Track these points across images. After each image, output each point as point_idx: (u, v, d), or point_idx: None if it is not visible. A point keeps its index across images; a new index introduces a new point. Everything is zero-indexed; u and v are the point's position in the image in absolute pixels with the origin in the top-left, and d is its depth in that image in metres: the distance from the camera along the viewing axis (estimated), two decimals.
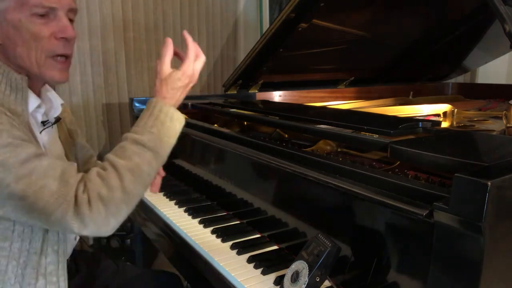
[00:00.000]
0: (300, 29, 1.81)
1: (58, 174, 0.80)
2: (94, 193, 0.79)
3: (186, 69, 0.99)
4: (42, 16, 0.88)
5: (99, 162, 1.27)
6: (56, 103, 1.04)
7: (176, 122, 0.93)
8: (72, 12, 0.95)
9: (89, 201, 0.79)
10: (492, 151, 0.86)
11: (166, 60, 0.99)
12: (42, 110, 0.97)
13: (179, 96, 0.97)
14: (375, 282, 0.84)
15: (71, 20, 0.95)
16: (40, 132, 0.98)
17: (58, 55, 0.92)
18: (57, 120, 1.04)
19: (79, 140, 1.20)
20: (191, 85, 1.00)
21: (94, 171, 0.84)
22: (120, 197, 0.81)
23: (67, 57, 0.95)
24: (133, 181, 0.83)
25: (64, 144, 1.10)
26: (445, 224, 0.69)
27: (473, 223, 0.65)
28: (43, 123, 0.99)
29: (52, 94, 1.04)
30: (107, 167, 0.84)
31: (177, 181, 1.68)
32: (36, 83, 0.97)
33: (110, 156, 0.87)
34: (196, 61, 1.01)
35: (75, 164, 0.88)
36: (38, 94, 0.97)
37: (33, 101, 0.93)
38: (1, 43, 0.89)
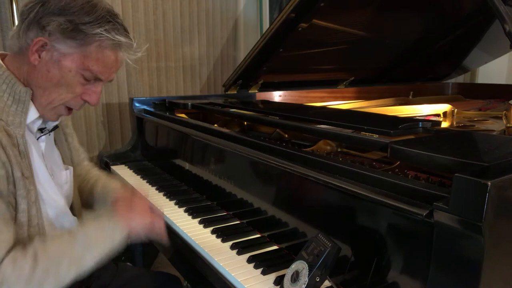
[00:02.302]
0: (300, 29, 1.81)
1: None
2: (4, 277, 0.78)
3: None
4: (86, 78, 0.92)
5: (90, 165, 1.28)
6: None
7: (113, 239, 0.92)
8: (108, 82, 0.99)
9: None
10: (492, 151, 0.86)
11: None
12: (39, 121, 0.98)
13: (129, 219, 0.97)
14: (375, 282, 0.84)
15: None
16: (37, 139, 0.99)
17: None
18: (55, 127, 1.05)
19: (74, 143, 1.20)
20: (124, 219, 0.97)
21: (15, 251, 0.81)
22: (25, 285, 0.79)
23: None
24: (46, 275, 0.82)
25: (60, 150, 1.11)
26: (445, 224, 0.69)
27: (473, 223, 0.65)
28: (41, 130, 1.00)
29: None
30: (28, 252, 0.82)
31: (177, 181, 1.68)
32: (34, 99, 0.98)
33: (38, 242, 0.85)
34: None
35: (13, 237, 0.84)
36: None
37: (32, 113, 0.94)
38: (36, 66, 0.90)
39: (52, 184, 1.00)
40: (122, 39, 0.92)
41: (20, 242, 0.84)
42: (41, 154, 0.99)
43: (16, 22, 0.94)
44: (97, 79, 0.94)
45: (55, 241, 0.87)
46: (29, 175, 0.90)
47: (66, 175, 1.08)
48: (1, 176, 0.83)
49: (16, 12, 2.06)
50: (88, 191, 1.23)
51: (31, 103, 0.93)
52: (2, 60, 0.94)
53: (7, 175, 0.84)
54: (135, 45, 0.96)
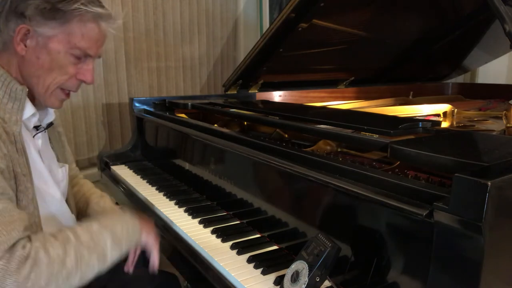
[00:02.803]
0: (300, 29, 1.81)
1: (3, 222, 0.77)
2: (32, 256, 0.77)
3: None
4: (76, 56, 0.93)
5: (76, 169, 1.29)
6: (50, 110, 1.06)
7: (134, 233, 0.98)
8: (97, 58, 1.00)
9: (22, 261, 0.75)
10: (492, 151, 0.86)
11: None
12: (35, 118, 0.99)
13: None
14: (375, 282, 0.84)
15: None
16: (33, 136, 0.99)
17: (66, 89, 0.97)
18: (49, 125, 1.06)
19: (65, 143, 1.20)
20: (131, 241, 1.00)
21: (44, 234, 0.83)
22: (57, 272, 0.79)
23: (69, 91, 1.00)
24: (76, 264, 0.82)
25: (55, 148, 1.11)
26: (445, 224, 0.69)
27: (473, 223, 0.65)
28: (36, 128, 1.00)
29: None
30: (58, 237, 0.83)
31: (177, 181, 1.68)
32: (32, 91, 0.98)
33: (68, 230, 0.86)
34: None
35: (26, 217, 0.85)
36: (33, 101, 0.98)
37: (28, 110, 0.94)
38: (24, 55, 0.90)
39: (51, 181, 1.01)
40: (100, 9, 0.93)
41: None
42: (38, 151, 0.99)
43: None
44: (86, 55, 0.94)
45: (85, 233, 0.87)
46: (26, 173, 0.90)
47: (62, 172, 1.09)
48: (4, 164, 0.83)
49: None
50: (81, 198, 1.23)
51: (27, 100, 0.93)
52: None
53: (8, 169, 0.84)
54: (113, 13, 0.97)
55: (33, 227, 0.90)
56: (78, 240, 0.84)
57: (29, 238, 0.79)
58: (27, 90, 0.92)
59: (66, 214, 1.06)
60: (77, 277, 0.83)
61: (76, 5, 0.89)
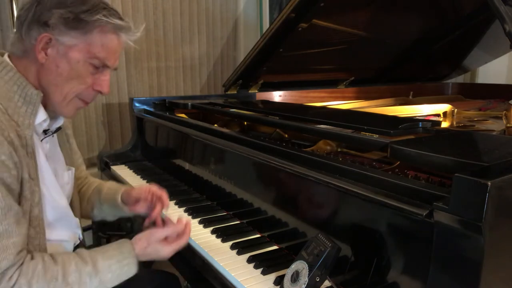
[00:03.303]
0: (300, 29, 1.81)
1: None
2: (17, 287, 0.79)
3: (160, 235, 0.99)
4: (95, 66, 0.94)
5: (87, 172, 1.29)
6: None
7: (123, 279, 0.95)
8: (114, 70, 1.01)
9: None
10: (492, 151, 0.86)
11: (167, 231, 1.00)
12: (46, 123, 0.99)
13: (148, 256, 0.99)
14: (375, 282, 0.84)
15: None
16: (41, 140, 0.99)
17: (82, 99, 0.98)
18: (58, 129, 1.06)
19: (73, 145, 1.20)
20: (149, 249, 0.98)
21: (36, 265, 0.83)
22: None
23: (87, 102, 1.00)
24: None
25: (63, 151, 1.11)
26: (445, 224, 0.69)
27: (473, 223, 0.65)
28: (45, 131, 1.01)
29: None
30: (47, 273, 0.83)
31: (177, 181, 1.68)
32: (47, 99, 0.99)
33: (60, 264, 0.86)
34: (175, 242, 0.99)
35: (22, 237, 0.85)
36: (46, 107, 0.99)
37: (41, 115, 0.95)
38: (44, 63, 0.91)
39: (56, 185, 1.01)
40: (120, 22, 0.94)
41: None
42: (45, 155, 0.99)
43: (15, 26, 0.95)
44: (104, 66, 0.96)
45: (75, 273, 0.87)
46: (34, 177, 0.90)
47: (68, 176, 1.09)
48: (14, 176, 0.84)
49: (15, 12, 2.06)
50: (92, 193, 1.24)
51: (40, 105, 0.94)
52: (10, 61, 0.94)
53: (17, 176, 0.85)
54: (132, 26, 0.99)
55: (31, 244, 0.90)
56: (64, 281, 0.84)
57: (18, 268, 0.80)
58: (42, 95, 0.93)
59: (69, 218, 1.07)
60: None
61: (98, 16, 0.90)
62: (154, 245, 0.97)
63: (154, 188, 1.15)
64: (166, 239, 0.99)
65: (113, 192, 1.20)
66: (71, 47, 0.90)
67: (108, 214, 1.24)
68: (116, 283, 0.93)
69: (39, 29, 0.89)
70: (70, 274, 0.85)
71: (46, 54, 0.90)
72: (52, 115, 1.02)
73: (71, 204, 1.11)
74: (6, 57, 0.94)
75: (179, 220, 1.03)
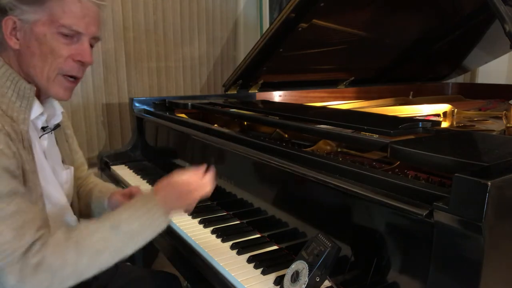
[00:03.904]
0: (300, 29, 1.81)
1: (17, 225, 0.77)
2: (46, 261, 0.77)
3: (190, 179, 0.97)
4: (66, 36, 0.91)
5: (89, 172, 1.28)
6: (57, 111, 1.06)
7: (157, 230, 0.91)
8: (95, 39, 0.98)
9: (36, 267, 0.76)
10: (492, 151, 0.86)
11: (190, 175, 0.97)
12: (43, 117, 0.99)
13: (175, 206, 0.94)
14: (375, 282, 0.84)
15: (91, 46, 0.98)
16: (40, 137, 0.99)
17: (69, 75, 0.95)
18: (56, 126, 1.06)
19: (74, 145, 1.20)
20: (185, 199, 0.95)
21: (57, 236, 0.81)
22: (69, 274, 0.79)
23: (76, 78, 0.98)
24: (89, 265, 0.82)
25: (61, 150, 1.11)
26: (445, 224, 0.69)
27: (473, 223, 0.65)
28: (43, 128, 1.01)
29: (54, 102, 1.06)
30: (70, 239, 0.82)
31: None
32: (42, 93, 0.98)
33: (80, 229, 0.85)
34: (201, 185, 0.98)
35: (39, 214, 0.84)
36: (42, 101, 0.99)
37: (36, 109, 0.95)
38: (19, 49, 0.91)
39: (55, 182, 1.01)
40: None
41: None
42: (43, 152, 0.99)
43: None
44: (77, 33, 0.93)
45: (97, 230, 0.85)
46: (34, 170, 0.90)
47: (66, 175, 1.09)
48: (14, 165, 0.83)
49: None
50: (86, 195, 1.23)
51: (35, 99, 0.94)
52: None
53: (17, 164, 0.84)
54: None
55: (46, 223, 0.89)
56: (88, 241, 0.83)
57: (42, 241, 0.79)
58: (35, 88, 0.93)
59: (68, 216, 1.06)
60: (90, 273, 0.83)
61: None
62: (176, 188, 0.94)
63: (136, 189, 1.15)
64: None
65: (102, 196, 1.20)
66: (35, 23, 0.89)
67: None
68: (151, 233, 0.89)
69: (1, 16, 0.88)
70: (93, 233, 0.84)
71: (17, 39, 0.90)
72: (49, 109, 1.02)
73: (72, 204, 1.11)
74: None
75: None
